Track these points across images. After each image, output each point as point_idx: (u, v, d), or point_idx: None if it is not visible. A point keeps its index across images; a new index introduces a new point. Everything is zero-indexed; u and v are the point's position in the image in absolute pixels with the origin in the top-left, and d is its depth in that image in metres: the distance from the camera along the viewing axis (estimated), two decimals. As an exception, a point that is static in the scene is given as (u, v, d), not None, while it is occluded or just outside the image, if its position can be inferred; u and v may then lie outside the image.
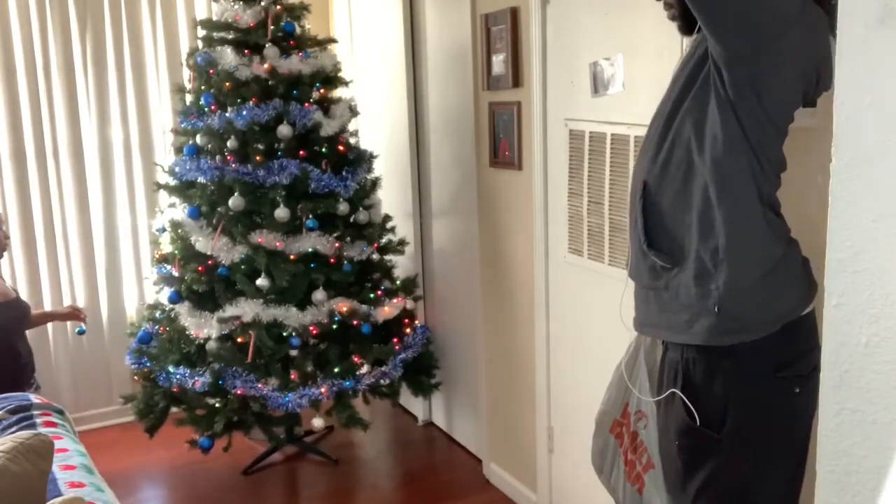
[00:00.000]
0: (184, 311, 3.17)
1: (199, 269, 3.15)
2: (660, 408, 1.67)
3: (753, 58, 1.35)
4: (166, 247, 3.31)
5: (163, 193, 3.43)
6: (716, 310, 1.48)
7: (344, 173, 3.23)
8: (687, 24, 1.57)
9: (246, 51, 3.17)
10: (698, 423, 1.52)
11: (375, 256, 3.42)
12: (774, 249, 1.48)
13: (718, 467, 1.52)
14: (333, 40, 3.54)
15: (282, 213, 3.07)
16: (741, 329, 1.48)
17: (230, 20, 3.19)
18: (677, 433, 1.58)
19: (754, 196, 1.45)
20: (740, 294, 1.47)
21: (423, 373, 3.51)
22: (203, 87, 3.21)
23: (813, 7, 1.40)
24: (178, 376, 3.10)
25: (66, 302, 3.94)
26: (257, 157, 3.11)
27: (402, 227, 3.71)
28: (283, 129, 3.09)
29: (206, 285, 3.16)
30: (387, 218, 3.52)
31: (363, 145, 3.61)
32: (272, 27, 3.18)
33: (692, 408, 1.53)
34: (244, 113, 3.06)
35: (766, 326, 1.48)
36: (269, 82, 3.13)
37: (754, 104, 1.40)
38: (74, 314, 3.27)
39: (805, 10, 1.37)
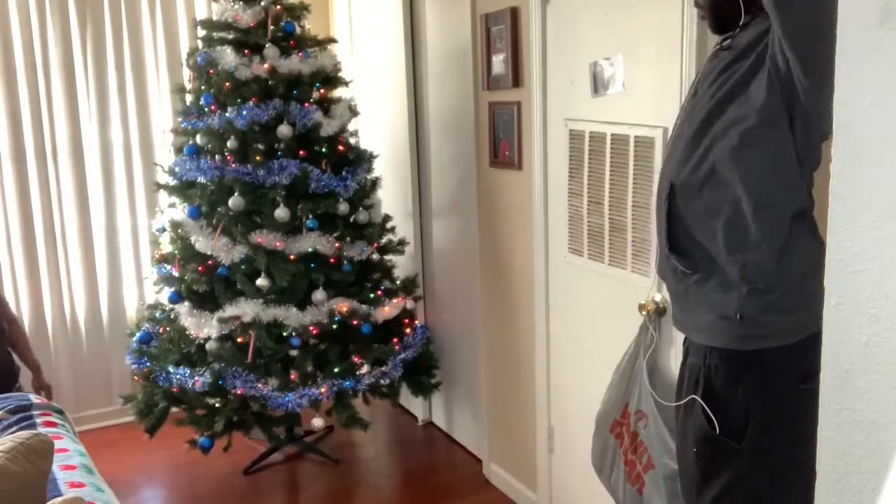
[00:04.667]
0: (184, 311, 3.17)
1: (199, 269, 3.15)
2: (678, 413, 1.65)
3: (830, 85, 1.34)
4: (166, 247, 3.31)
5: (163, 193, 3.43)
6: (738, 317, 1.47)
7: (344, 173, 3.23)
8: (718, 24, 1.56)
9: (246, 51, 3.17)
10: (718, 432, 1.51)
11: (375, 256, 3.42)
12: (806, 262, 1.46)
13: (736, 477, 1.50)
14: (333, 40, 3.54)
15: (282, 213, 3.07)
16: (764, 336, 1.47)
17: (230, 20, 3.19)
18: (696, 440, 1.56)
19: (790, 211, 1.43)
20: (764, 304, 1.46)
21: (423, 373, 3.51)
22: (203, 87, 3.21)
23: None
24: (178, 376, 3.10)
25: (67, 302, 3.95)
26: (257, 157, 3.11)
27: (402, 227, 3.71)
28: (283, 129, 3.09)
29: (206, 285, 3.16)
30: (387, 218, 3.52)
31: (363, 145, 3.61)
32: (272, 27, 3.18)
33: (712, 416, 1.51)
34: (244, 113, 3.06)
35: (791, 334, 1.46)
36: (269, 82, 3.13)
37: (814, 125, 1.38)
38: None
39: None
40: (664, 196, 1.55)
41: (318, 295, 3.13)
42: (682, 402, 1.61)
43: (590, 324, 2.62)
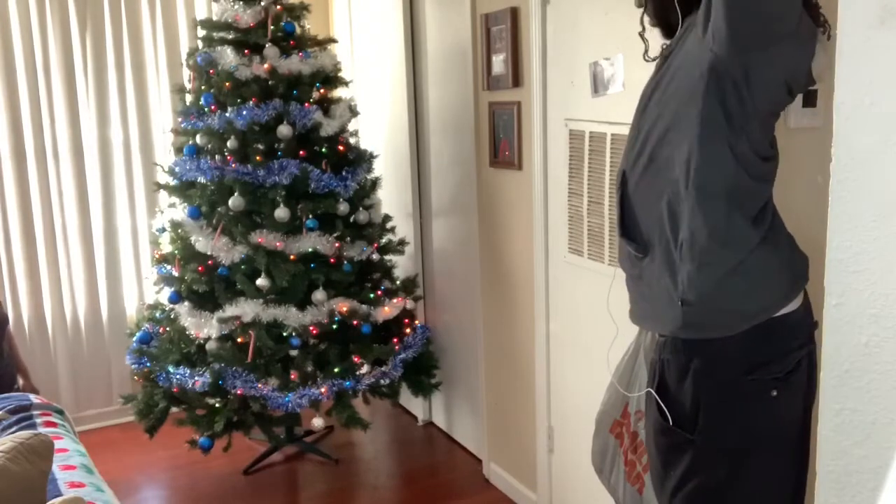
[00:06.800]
0: (184, 311, 3.17)
1: (199, 269, 3.15)
2: (646, 407, 1.70)
3: (754, 50, 1.35)
4: (166, 247, 3.31)
5: (163, 193, 3.43)
6: (679, 303, 1.50)
7: (344, 173, 3.23)
8: (667, 29, 1.63)
9: (246, 51, 3.17)
10: (671, 423, 1.54)
11: (375, 256, 3.42)
12: (740, 249, 1.47)
13: (692, 467, 1.53)
14: (333, 40, 3.54)
15: (282, 213, 3.07)
16: (706, 326, 1.49)
17: (230, 20, 3.19)
18: (654, 432, 1.61)
19: (721, 188, 1.44)
20: (704, 291, 1.48)
21: (423, 373, 3.51)
22: (203, 87, 3.21)
23: (807, 20, 1.40)
24: (178, 376, 3.10)
25: (67, 302, 3.95)
26: (257, 157, 3.11)
27: (402, 227, 3.71)
28: (283, 129, 3.09)
29: (206, 285, 3.16)
30: (387, 218, 3.52)
31: (363, 145, 3.61)
32: (272, 27, 3.18)
33: (664, 408, 1.55)
34: (244, 113, 3.06)
35: (732, 325, 1.48)
36: (269, 82, 3.13)
37: (745, 95, 1.39)
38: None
39: (801, 22, 1.37)
40: (618, 183, 1.62)
41: (318, 295, 3.13)
42: (637, 395, 1.67)
43: (590, 324, 2.62)
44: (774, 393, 1.48)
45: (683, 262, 1.49)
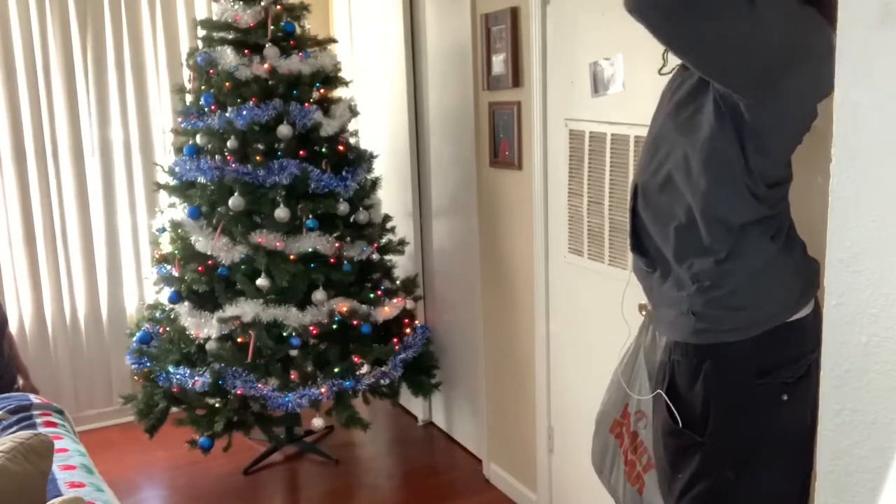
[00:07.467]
0: (184, 311, 3.17)
1: (199, 269, 3.15)
2: (654, 408, 1.70)
3: (766, 96, 1.33)
4: (166, 247, 3.31)
5: (163, 193, 3.43)
6: (691, 314, 1.51)
7: (344, 173, 3.23)
8: None
9: (246, 51, 3.17)
10: (681, 425, 1.54)
11: (375, 256, 3.42)
12: (758, 261, 1.47)
13: (701, 469, 1.53)
14: (333, 40, 3.54)
15: (282, 213, 3.07)
16: (718, 331, 1.50)
17: (230, 20, 3.19)
18: (663, 433, 1.61)
19: (737, 222, 1.45)
20: (713, 301, 1.49)
21: (423, 373, 3.51)
22: (203, 87, 3.21)
23: (827, 34, 1.31)
24: (178, 376, 3.10)
25: (67, 302, 3.95)
26: (257, 157, 3.11)
27: (402, 227, 3.71)
28: (283, 129, 3.09)
29: (206, 285, 3.16)
30: (387, 218, 3.52)
31: (363, 145, 3.61)
32: (272, 27, 3.18)
33: (674, 409, 1.55)
34: (244, 113, 3.06)
35: (743, 331, 1.49)
36: (269, 82, 3.13)
37: (768, 139, 1.38)
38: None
39: (814, 40, 1.31)
40: (630, 196, 1.62)
41: (318, 295, 3.13)
42: (648, 396, 1.67)
43: (590, 324, 2.62)
44: (784, 397, 1.48)
45: (695, 281, 1.49)
